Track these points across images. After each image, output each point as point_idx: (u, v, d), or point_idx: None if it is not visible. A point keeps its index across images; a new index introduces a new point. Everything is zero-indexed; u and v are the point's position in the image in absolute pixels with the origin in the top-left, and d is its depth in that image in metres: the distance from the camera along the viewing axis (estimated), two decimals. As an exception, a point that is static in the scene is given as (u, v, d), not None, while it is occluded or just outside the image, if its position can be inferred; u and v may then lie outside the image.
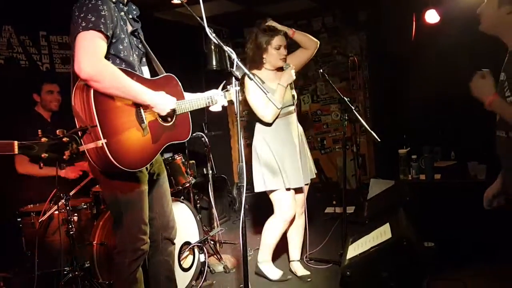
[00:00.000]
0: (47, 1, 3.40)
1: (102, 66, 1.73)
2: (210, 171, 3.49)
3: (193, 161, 4.44)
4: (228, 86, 2.33)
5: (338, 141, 5.71)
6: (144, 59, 2.12)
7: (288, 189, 2.90)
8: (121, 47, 1.89)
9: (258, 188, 2.92)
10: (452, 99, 4.29)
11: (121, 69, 1.82)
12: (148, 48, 2.11)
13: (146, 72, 2.10)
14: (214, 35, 1.91)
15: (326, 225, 4.15)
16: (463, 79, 4.14)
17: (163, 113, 1.95)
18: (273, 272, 3.03)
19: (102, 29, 1.75)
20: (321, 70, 3.07)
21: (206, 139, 3.40)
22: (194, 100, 2.16)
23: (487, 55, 3.84)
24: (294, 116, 2.97)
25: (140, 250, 2.03)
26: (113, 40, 1.86)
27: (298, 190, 3.01)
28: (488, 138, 3.75)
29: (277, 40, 2.88)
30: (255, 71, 2.92)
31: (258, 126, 2.94)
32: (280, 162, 2.87)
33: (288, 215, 2.94)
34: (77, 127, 1.72)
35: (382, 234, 2.63)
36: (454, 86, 4.28)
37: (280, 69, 2.94)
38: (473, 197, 3.39)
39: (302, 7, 5.16)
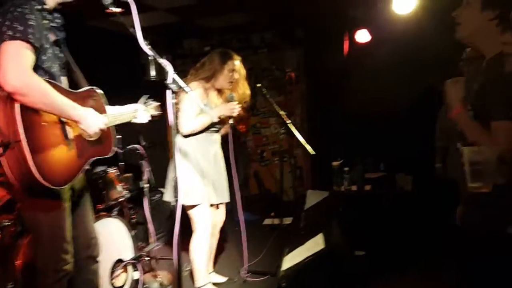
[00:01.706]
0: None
1: (30, 79, 1.64)
2: (146, 185, 3.40)
3: (130, 174, 4.31)
4: (149, 100, 2.35)
5: (277, 154, 5.83)
6: (63, 69, 2.01)
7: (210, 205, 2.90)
8: (44, 57, 1.81)
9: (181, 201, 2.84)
10: (382, 112, 4.57)
11: (47, 81, 1.74)
12: (71, 58, 2.03)
13: (64, 83, 2.00)
14: (149, 46, 1.88)
15: (265, 237, 4.19)
16: (392, 95, 4.45)
17: (90, 132, 1.87)
18: None
19: (31, 40, 1.67)
20: (259, 85, 3.12)
21: (143, 151, 3.32)
22: (116, 115, 2.11)
23: (415, 73, 4.18)
24: (217, 135, 3.00)
25: (62, 271, 1.93)
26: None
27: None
28: (414, 150, 4.06)
29: (235, 64, 2.93)
30: (195, 83, 2.87)
31: (180, 138, 2.91)
32: (201, 177, 2.85)
33: (210, 230, 2.91)
34: (-4, 141, 1.62)
35: (316, 244, 2.72)
36: (385, 101, 4.59)
37: (220, 91, 2.98)
38: (400, 207, 3.64)
39: (241, 21, 5.24)
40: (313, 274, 2.51)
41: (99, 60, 4.31)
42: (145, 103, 2.37)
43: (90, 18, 4.46)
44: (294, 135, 3.09)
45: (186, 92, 1.93)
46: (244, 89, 3.01)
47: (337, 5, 4.41)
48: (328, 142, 4.89)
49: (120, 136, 3.36)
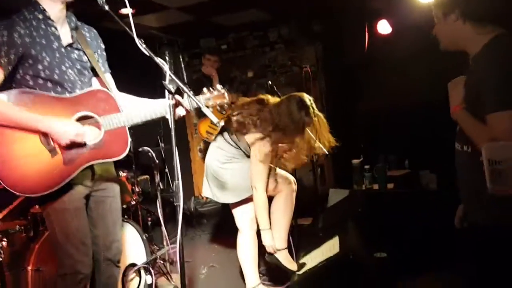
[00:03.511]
0: None
1: None
2: (159, 187, 3.36)
3: (147, 177, 4.30)
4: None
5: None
6: (89, 71, 2.03)
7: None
8: (40, 67, 1.83)
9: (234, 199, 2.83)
10: (405, 108, 4.37)
11: (29, 92, 1.79)
12: (99, 60, 2.05)
13: (96, 85, 2.03)
14: (144, 46, 1.81)
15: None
16: (416, 89, 4.25)
17: (62, 142, 1.81)
18: None
19: None
20: (269, 82, 3.03)
21: (153, 154, 3.28)
22: (134, 114, 1.98)
23: (440, 64, 3.97)
24: None
25: (80, 274, 1.92)
26: (30, 62, 1.81)
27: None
28: (439, 147, 3.86)
29: None
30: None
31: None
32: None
33: (255, 228, 2.88)
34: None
35: (331, 248, 2.60)
36: (408, 96, 4.40)
37: None
38: (425, 206, 3.45)
39: (257, 18, 5.14)
40: (327, 279, 2.39)
41: (120, 62, 4.32)
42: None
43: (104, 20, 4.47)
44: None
45: (185, 92, 1.84)
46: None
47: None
48: (349, 139, 4.72)
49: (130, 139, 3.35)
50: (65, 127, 1.81)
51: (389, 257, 3.02)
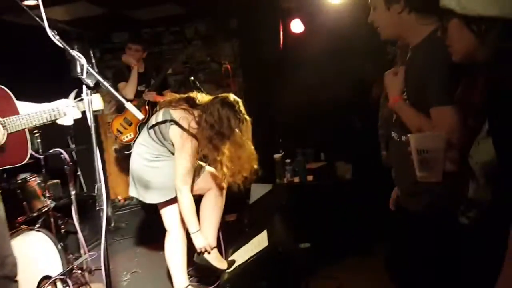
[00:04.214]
0: None
1: None
2: (73, 191, 3.12)
3: (58, 181, 3.97)
4: (82, 95, 2.07)
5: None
6: None
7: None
8: None
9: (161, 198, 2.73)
10: (319, 102, 4.56)
11: None
12: None
13: None
14: (58, 37, 1.66)
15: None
16: (328, 85, 4.45)
17: None
18: None
19: None
20: (192, 78, 2.96)
21: (66, 156, 3.03)
22: (32, 115, 1.85)
23: (349, 62, 4.21)
24: None
25: None
26: None
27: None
28: (352, 139, 4.10)
29: None
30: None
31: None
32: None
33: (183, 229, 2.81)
34: None
35: (260, 242, 2.62)
36: (321, 91, 4.59)
37: None
38: (342, 195, 3.65)
39: (173, 13, 5.00)
40: (258, 273, 2.41)
41: (24, 58, 3.94)
42: (75, 98, 2.08)
43: (7, 13, 4.04)
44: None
45: (105, 87, 1.72)
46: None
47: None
48: (269, 134, 4.81)
49: (39, 140, 3.07)
50: None
51: (312, 247, 3.15)
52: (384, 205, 1.95)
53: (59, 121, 2.01)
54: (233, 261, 2.73)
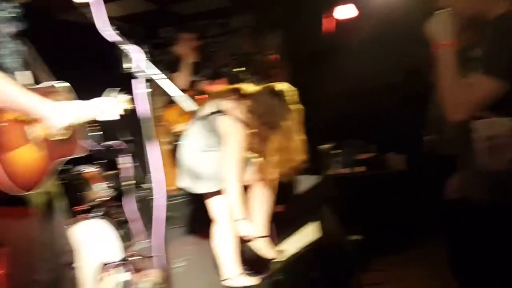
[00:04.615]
0: None
1: None
2: (125, 182, 3.25)
3: (115, 171, 4.15)
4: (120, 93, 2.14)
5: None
6: (27, 63, 1.87)
7: None
8: None
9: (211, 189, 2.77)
10: (369, 91, 4.46)
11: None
12: (34, 52, 1.89)
13: (27, 78, 1.86)
14: (115, 32, 1.73)
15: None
16: (379, 72, 4.33)
17: (61, 125, 1.71)
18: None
19: None
20: (239, 69, 2.98)
21: (123, 147, 3.16)
22: (81, 111, 1.93)
23: (401, 48, 4.07)
24: None
25: (37, 282, 1.82)
26: None
27: None
28: (405, 128, 3.97)
29: None
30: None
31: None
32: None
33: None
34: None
35: (310, 233, 2.62)
36: (371, 79, 4.48)
37: None
38: (394, 187, 3.57)
39: (218, 6, 5.05)
40: (310, 264, 2.41)
41: (74, 56, 4.12)
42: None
43: (61, 11, 4.24)
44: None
45: (153, 80, 1.79)
46: None
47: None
48: (316, 125, 4.76)
49: (97, 132, 3.21)
50: (65, 109, 1.72)
51: (364, 239, 3.11)
52: (438, 196, 1.87)
53: (105, 116, 2.09)
54: (283, 251, 2.74)
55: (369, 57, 4.33)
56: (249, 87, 2.75)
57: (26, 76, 1.87)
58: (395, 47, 4.14)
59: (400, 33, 4.09)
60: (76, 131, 1.93)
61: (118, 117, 2.14)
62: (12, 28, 1.78)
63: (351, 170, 3.76)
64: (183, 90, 4.13)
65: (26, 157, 1.65)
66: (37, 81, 1.88)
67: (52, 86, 1.88)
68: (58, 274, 1.98)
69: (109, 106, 2.08)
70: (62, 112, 1.72)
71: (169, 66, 4.37)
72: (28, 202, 1.76)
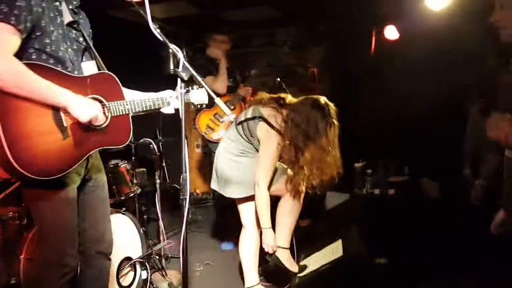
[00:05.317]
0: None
1: (6, 63, 1.55)
2: (158, 181, 3.29)
3: (144, 169, 4.21)
4: (189, 88, 2.12)
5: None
6: (86, 54, 1.95)
7: None
8: (47, 40, 1.72)
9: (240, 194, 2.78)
10: (409, 114, 4.33)
11: (40, 66, 1.65)
12: (91, 43, 1.95)
13: (88, 68, 1.93)
14: (158, 31, 1.75)
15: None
16: (420, 95, 4.22)
17: (82, 120, 1.72)
18: None
19: (14, 22, 1.58)
20: (278, 79, 2.97)
21: (155, 146, 3.20)
22: (138, 102, 1.95)
23: (445, 71, 3.95)
24: None
25: (66, 267, 1.84)
26: (38, 33, 1.69)
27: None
28: (441, 154, 3.83)
29: None
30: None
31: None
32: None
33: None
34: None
35: (334, 251, 2.55)
36: (412, 101, 4.36)
37: None
38: (425, 213, 3.43)
39: (265, 16, 5.08)
40: (330, 282, 2.34)
41: (122, 51, 4.22)
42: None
43: (112, 9, 4.39)
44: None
45: (197, 81, 1.80)
46: None
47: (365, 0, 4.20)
48: (351, 143, 4.67)
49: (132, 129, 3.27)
50: (89, 105, 1.74)
51: (389, 263, 2.99)
52: (473, 229, 1.78)
53: (162, 110, 2.11)
54: (305, 266, 2.68)
55: (413, 80, 4.22)
56: (290, 97, 2.75)
57: (90, 66, 1.95)
58: (439, 70, 4.02)
59: (444, 56, 3.98)
60: (125, 122, 1.94)
61: (173, 111, 2.11)
62: (69, 18, 1.84)
63: (382, 191, 3.65)
64: (219, 95, 4.17)
65: (49, 143, 1.66)
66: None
67: (107, 74, 1.92)
68: (89, 261, 2.01)
69: (174, 99, 2.07)
70: (84, 108, 1.72)
71: (203, 68, 4.37)
72: (62, 185, 1.79)
